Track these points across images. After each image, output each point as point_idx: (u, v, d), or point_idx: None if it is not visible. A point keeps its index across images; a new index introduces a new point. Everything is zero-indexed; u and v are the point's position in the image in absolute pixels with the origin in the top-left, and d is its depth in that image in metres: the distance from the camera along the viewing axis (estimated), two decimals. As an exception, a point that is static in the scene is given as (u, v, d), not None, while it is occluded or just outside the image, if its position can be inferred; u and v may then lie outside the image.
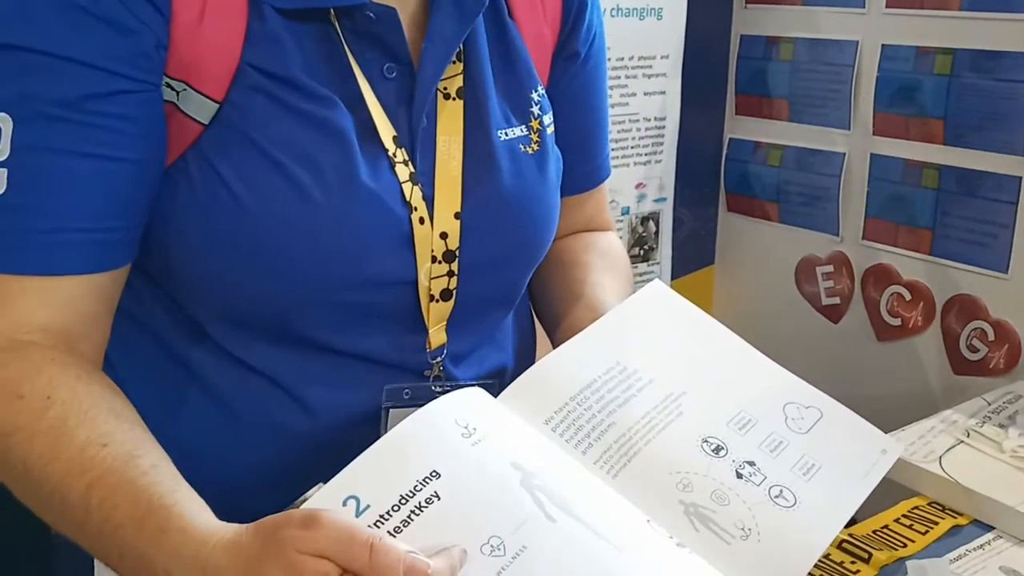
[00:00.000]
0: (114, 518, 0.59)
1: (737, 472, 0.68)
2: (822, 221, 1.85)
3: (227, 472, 0.74)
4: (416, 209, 0.74)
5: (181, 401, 0.75)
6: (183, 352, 0.75)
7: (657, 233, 1.99)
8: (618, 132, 1.86)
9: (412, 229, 0.73)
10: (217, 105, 0.68)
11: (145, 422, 0.67)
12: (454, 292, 0.77)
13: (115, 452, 0.60)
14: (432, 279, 0.75)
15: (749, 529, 0.65)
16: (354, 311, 0.74)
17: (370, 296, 0.73)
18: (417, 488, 0.57)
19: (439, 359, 0.79)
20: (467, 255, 0.77)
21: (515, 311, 0.88)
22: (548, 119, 0.84)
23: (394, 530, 0.55)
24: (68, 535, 0.62)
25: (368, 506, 0.56)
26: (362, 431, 0.66)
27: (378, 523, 0.56)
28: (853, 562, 0.91)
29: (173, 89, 0.68)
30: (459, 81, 0.78)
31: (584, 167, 0.95)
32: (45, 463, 0.60)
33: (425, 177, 0.75)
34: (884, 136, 1.71)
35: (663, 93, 1.89)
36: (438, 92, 0.77)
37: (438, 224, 0.75)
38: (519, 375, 0.83)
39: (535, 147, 0.82)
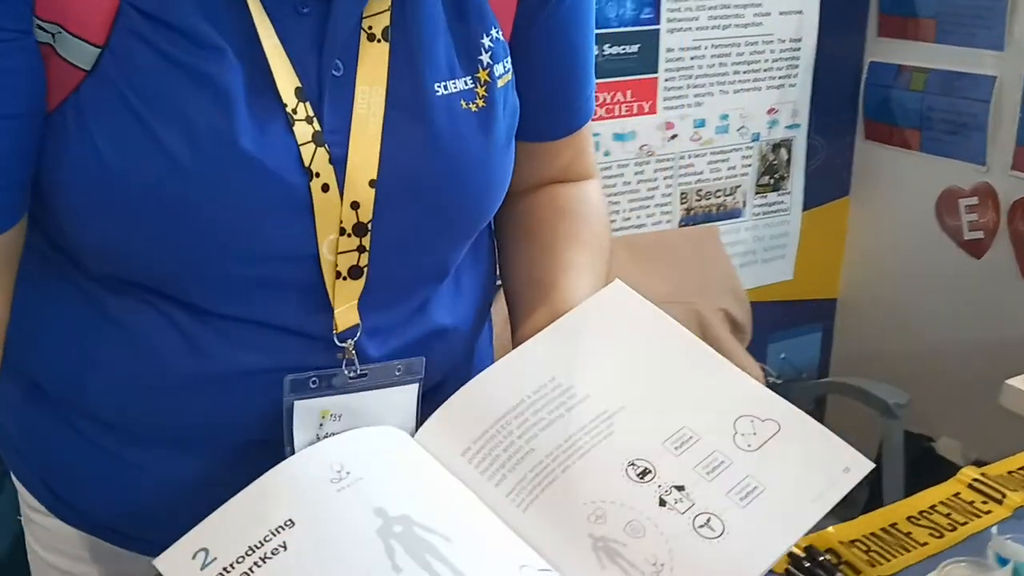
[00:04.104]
0: None
1: (661, 499, 0.63)
2: (967, 150, 1.74)
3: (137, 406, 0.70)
4: (318, 175, 0.63)
5: (95, 340, 0.69)
6: (92, 291, 0.68)
7: (789, 161, 1.92)
8: (750, 54, 1.79)
9: (312, 198, 0.64)
10: (98, 50, 0.60)
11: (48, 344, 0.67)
12: (365, 269, 0.67)
13: None
14: (339, 254, 0.66)
15: (662, 564, 0.60)
16: (250, 285, 0.66)
17: (265, 270, 0.65)
18: (267, 538, 0.57)
19: (350, 341, 0.69)
20: (382, 229, 0.66)
21: (471, 250, 0.78)
22: (501, 69, 0.71)
23: None
24: None
25: (215, 559, 0.57)
26: (272, 393, 0.64)
27: (221, 574, 0.56)
28: (985, 502, 0.87)
29: (47, 31, 0.60)
30: (386, 19, 0.66)
31: (562, 112, 0.81)
32: None
33: (336, 136, 0.64)
34: (1041, 57, 1.60)
35: (799, 13, 1.80)
36: (362, 31, 0.65)
37: (349, 192, 0.64)
38: (466, 330, 0.77)
39: (480, 103, 0.69)
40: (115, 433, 0.71)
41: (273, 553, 0.57)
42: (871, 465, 0.65)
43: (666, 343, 0.71)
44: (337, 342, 0.68)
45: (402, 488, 0.63)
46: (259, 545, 0.57)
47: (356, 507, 0.60)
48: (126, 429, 0.71)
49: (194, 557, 0.57)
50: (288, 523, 0.58)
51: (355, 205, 0.65)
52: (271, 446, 0.67)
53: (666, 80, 1.75)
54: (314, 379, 0.67)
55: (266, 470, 0.65)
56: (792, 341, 2.09)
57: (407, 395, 0.71)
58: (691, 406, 0.67)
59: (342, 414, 0.69)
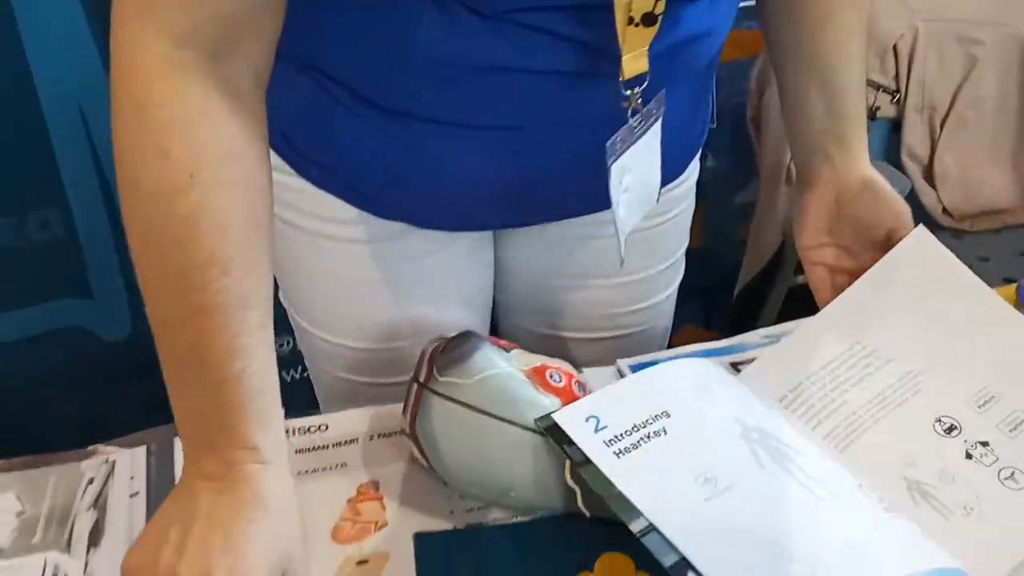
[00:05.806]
0: (201, 356, 0.59)
1: (967, 453, 0.69)
2: None
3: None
4: None
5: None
6: None
7: None
8: None
9: None
10: None
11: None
12: (660, 18, 0.63)
13: (232, 289, 0.59)
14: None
15: (971, 508, 0.66)
16: (537, 22, 0.64)
17: (550, 8, 0.63)
18: (648, 421, 0.65)
19: (637, 89, 0.66)
20: None
21: None
22: None
23: (623, 450, 0.63)
24: (147, 302, 0.61)
25: (605, 426, 0.64)
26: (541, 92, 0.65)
27: (611, 441, 0.63)
28: None
29: None
30: None
31: None
32: (162, 259, 0.59)
33: None
34: None
35: None
36: None
37: None
38: (715, 34, 0.76)
39: None
40: (375, 109, 0.72)
41: (655, 434, 0.64)
42: None
43: (967, 298, 0.75)
44: (623, 90, 0.67)
45: (750, 409, 0.70)
46: (643, 424, 0.65)
47: (721, 412, 0.68)
48: (386, 107, 0.72)
49: (587, 420, 0.65)
50: (665, 413, 0.66)
51: None
52: (536, 131, 0.71)
53: None
54: (619, 139, 0.69)
55: (532, 154, 0.73)
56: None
57: (656, 134, 0.73)
58: (993, 365, 0.72)
59: (632, 166, 0.72)
